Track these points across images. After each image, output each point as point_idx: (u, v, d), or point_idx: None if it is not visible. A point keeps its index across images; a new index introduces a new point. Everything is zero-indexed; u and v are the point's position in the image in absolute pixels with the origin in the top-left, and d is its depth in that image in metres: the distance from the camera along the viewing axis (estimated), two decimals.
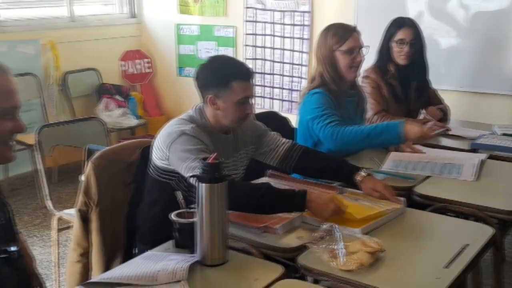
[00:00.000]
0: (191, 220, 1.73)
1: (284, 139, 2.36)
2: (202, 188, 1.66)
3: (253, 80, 2.15)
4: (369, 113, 3.22)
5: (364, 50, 2.63)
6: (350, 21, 4.33)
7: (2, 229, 1.49)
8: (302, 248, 1.74)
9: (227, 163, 2.16)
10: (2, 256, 1.47)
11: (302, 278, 1.70)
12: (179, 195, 1.83)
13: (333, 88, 2.62)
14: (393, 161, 2.57)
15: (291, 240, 1.80)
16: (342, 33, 2.60)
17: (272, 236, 1.83)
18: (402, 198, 2.10)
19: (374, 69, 3.25)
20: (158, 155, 2.12)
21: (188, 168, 1.95)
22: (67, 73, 4.93)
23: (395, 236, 1.87)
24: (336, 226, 1.76)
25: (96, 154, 2.36)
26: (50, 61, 4.77)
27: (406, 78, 3.23)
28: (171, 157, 2.05)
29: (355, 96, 2.80)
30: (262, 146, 2.34)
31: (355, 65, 2.62)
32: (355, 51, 2.60)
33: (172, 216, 1.76)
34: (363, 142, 2.47)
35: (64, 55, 4.84)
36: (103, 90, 5.12)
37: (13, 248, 1.52)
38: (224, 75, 2.06)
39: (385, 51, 3.22)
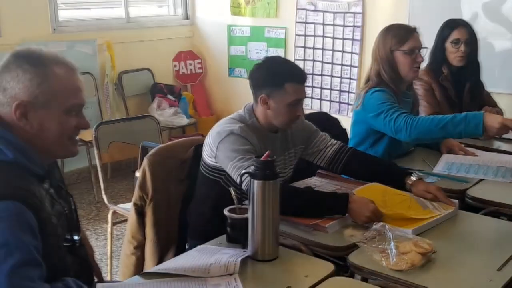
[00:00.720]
0: (243, 216, 1.77)
1: (333, 140, 2.37)
2: (255, 185, 1.70)
3: (306, 83, 2.17)
4: (422, 115, 3.20)
5: (423, 51, 2.62)
6: (402, 22, 4.33)
7: (66, 219, 1.57)
8: (352, 247, 1.75)
9: (276, 162, 2.17)
10: (66, 244, 1.54)
11: (351, 277, 1.72)
12: (233, 191, 1.88)
13: (392, 87, 2.61)
14: (445, 163, 2.56)
15: (341, 239, 1.82)
16: (403, 33, 2.59)
17: (323, 234, 1.86)
18: (455, 200, 2.08)
19: (427, 71, 3.22)
20: (208, 153, 2.18)
21: (235, 167, 2.01)
22: (122, 72, 5.08)
23: (447, 237, 1.86)
24: (388, 226, 1.77)
25: (152, 151, 2.44)
26: (106, 61, 4.92)
27: (460, 80, 3.19)
28: (219, 156, 2.10)
29: (411, 97, 2.79)
30: (310, 146, 2.36)
31: (416, 65, 2.61)
32: (416, 51, 2.59)
33: (225, 211, 1.81)
34: (439, 132, 2.36)
35: (119, 55, 4.98)
36: (156, 90, 5.25)
37: (76, 237, 1.59)
38: (279, 76, 2.09)
39: (438, 53, 3.19)
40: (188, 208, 2.34)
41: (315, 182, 2.35)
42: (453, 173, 2.44)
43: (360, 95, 2.67)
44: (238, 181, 1.90)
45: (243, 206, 1.81)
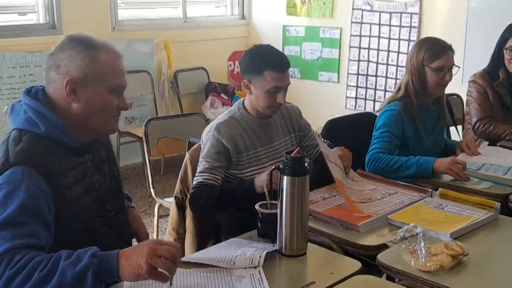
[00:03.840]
0: (273, 211, 1.79)
1: (323, 140, 2.48)
2: (284, 181, 1.71)
3: (288, 72, 2.20)
4: (473, 119, 3.12)
5: (454, 69, 2.61)
6: (460, 24, 4.23)
7: (97, 193, 1.68)
8: (383, 247, 1.73)
9: (274, 146, 2.31)
10: (98, 215, 1.67)
11: (381, 276, 1.70)
12: (265, 186, 1.90)
13: (414, 101, 2.62)
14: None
15: (372, 238, 1.80)
16: (436, 50, 2.60)
17: (354, 232, 1.84)
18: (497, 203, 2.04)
19: (482, 74, 3.14)
20: None
21: (197, 171, 2.19)
22: (178, 71, 5.19)
23: (483, 241, 1.81)
24: (420, 226, 1.73)
25: (194, 146, 2.49)
26: (163, 60, 5.05)
27: None
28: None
29: (435, 111, 2.76)
30: (306, 139, 2.42)
31: (442, 83, 2.62)
32: (445, 70, 2.59)
33: (257, 206, 1.83)
34: (394, 173, 2.44)
35: (176, 54, 5.10)
36: (210, 89, 5.33)
37: (108, 208, 1.72)
38: (259, 64, 2.15)
39: (496, 57, 3.11)
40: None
41: (355, 177, 2.33)
42: (473, 169, 2.47)
43: (384, 104, 2.70)
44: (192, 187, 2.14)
45: (274, 202, 1.83)
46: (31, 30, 4.32)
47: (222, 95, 5.34)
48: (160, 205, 3.20)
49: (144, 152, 4.45)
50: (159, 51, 5.02)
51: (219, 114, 5.08)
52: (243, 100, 2.32)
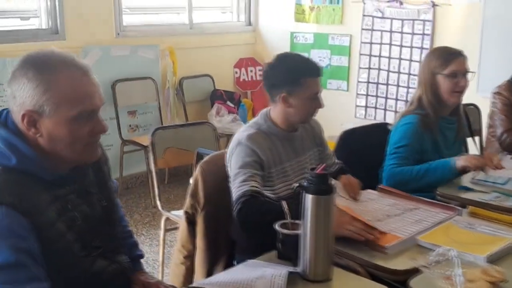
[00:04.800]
0: (295, 232, 1.66)
1: (336, 160, 2.40)
2: (308, 200, 1.58)
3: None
4: (499, 130, 3.02)
5: (469, 75, 2.52)
6: (475, 32, 4.11)
7: (82, 225, 1.50)
8: (414, 272, 1.60)
9: (300, 161, 2.20)
10: (84, 253, 1.49)
11: None
12: (285, 204, 1.77)
13: (430, 113, 2.52)
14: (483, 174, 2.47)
15: (402, 262, 1.67)
16: (446, 56, 2.52)
17: (381, 255, 1.71)
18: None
19: (507, 85, 3.05)
20: (228, 167, 2.15)
21: (234, 184, 2.01)
22: (183, 78, 5.07)
23: None
24: (455, 250, 1.60)
25: (205, 158, 2.37)
26: (168, 66, 4.92)
27: None
28: (230, 169, 2.10)
29: (455, 123, 2.66)
30: (322, 156, 2.33)
31: (458, 89, 2.52)
32: (459, 75, 2.49)
33: (277, 226, 1.70)
34: (421, 180, 2.38)
35: (181, 60, 4.97)
36: (216, 96, 5.21)
37: (95, 244, 1.53)
38: (295, 73, 2.07)
39: None
40: (232, 223, 2.25)
41: (370, 195, 2.21)
42: (489, 183, 2.37)
43: (398, 118, 2.62)
44: (233, 202, 1.95)
45: (296, 221, 1.70)
46: (33, 36, 4.19)
47: (228, 102, 5.21)
48: (167, 219, 3.07)
49: (148, 162, 4.39)
50: (164, 57, 4.90)
51: (225, 122, 5.03)
52: (268, 111, 2.19)
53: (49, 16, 4.29)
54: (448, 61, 2.50)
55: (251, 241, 2.14)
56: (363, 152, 2.76)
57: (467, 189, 2.35)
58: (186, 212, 2.32)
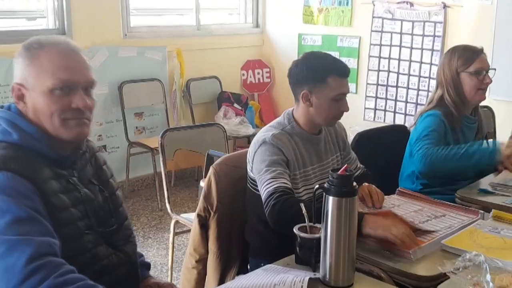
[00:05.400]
0: (315, 235, 1.60)
1: (359, 164, 2.31)
2: (329, 202, 1.52)
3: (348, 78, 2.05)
4: None
5: (491, 72, 2.50)
6: (487, 34, 4.05)
7: (85, 208, 1.50)
8: (440, 277, 1.54)
9: (322, 165, 2.13)
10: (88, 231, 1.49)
11: None
12: (303, 206, 1.71)
13: (454, 112, 2.49)
14: (504, 177, 2.42)
15: (427, 267, 1.60)
16: (469, 54, 2.50)
17: (406, 260, 1.64)
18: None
19: None
20: (249, 166, 2.08)
21: (261, 181, 1.92)
22: (190, 80, 5.01)
23: None
24: (483, 255, 1.54)
25: (218, 160, 2.31)
26: (175, 68, 4.88)
27: None
28: (253, 167, 2.02)
29: (475, 122, 2.63)
30: (345, 161, 2.25)
31: (483, 87, 2.49)
32: (483, 72, 2.48)
33: (295, 229, 1.64)
34: (458, 161, 2.34)
35: (188, 62, 4.92)
36: (223, 98, 5.16)
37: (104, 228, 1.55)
38: (320, 70, 1.98)
39: None
40: (246, 225, 2.19)
41: (394, 201, 2.14)
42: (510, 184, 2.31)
43: (417, 117, 2.56)
44: (264, 199, 1.86)
45: (315, 225, 1.64)
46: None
47: (235, 105, 5.16)
48: (176, 222, 3.01)
49: (155, 164, 4.34)
50: (171, 59, 4.85)
51: (232, 124, 4.97)
52: (292, 111, 2.12)
53: (56, 16, 4.25)
54: (472, 58, 2.47)
55: (266, 244, 2.08)
56: (377, 155, 2.71)
57: (488, 192, 2.29)
58: (198, 215, 2.25)
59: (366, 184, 2.10)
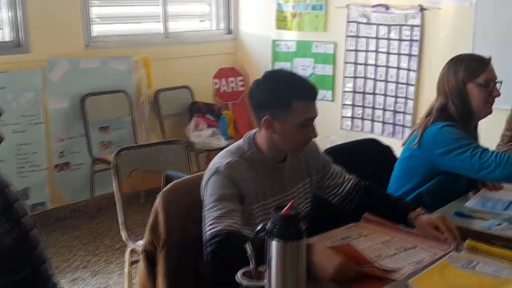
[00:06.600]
0: (259, 284, 1.38)
1: (349, 174, 2.09)
2: (272, 246, 1.30)
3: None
4: None
5: (498, 84, 2.27)
6: (467, 37, 3.86)
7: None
8: None
9: (286, 196, 1.89)
10: None
11: None
12: (248, 247, 1.48)
13: (459, 124, 2.24)
14: (480, 198, 2.26)
15: None
16: (477, 64, 2.27)
17: None
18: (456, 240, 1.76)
19: None
20: (203, 193, 1.85)
21: (206, 219, 1.72)
22: (159, 91, 4.77)
23: None
24: None
25: (167, 187, 2.09)
26: (142, 79, 4.64)
27: None
28: (205, 199, 1.81)
29: (477, 139, 2.41)
30: (326, 178, 2.05)
31: (491, 100, 2.26)
32: (491, 84, 2.25)
33: (238, 275, 1.42)
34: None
35: (156, 72, 4.69)
36: (194, 109, 4.92)
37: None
38: (284, 94, 1.76)
39: None
40: (200, 257, 1.96)
41: (362, 230, 1.92)
42: (488, 209, 2.12)
43: (417, 131, 2.28)
44: (204, 241, 1.65)
45: (261, 269, 1.42)
46: None
47: (208, 115, 4.93)
48: (133, 250, 2.77)
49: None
50: (137, 69, 4.61)
51: (204, 136, 4.73)
52: (254, 135, 1.89)
53: (12, 28, 4.00)
54: (480, 68, 2.25)
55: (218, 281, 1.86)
56: (351, 173, 2.49)
57: (463, 215, 2.09)
58: (145, 251, 2.03)
59: (440, 214, 1.89)
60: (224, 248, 1.61)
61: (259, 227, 1.38)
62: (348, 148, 2.80)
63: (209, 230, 1.68)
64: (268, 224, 1.33)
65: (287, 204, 1.50)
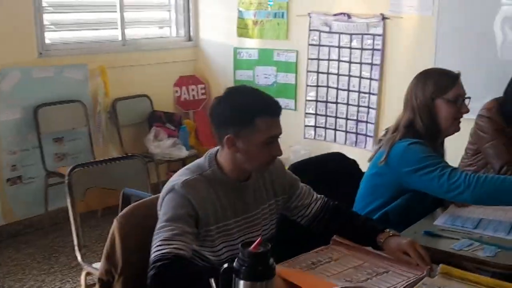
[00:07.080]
0: None
1: (316, 194, 2.03)
2: (240, 286, 1.21)
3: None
4: (497, 163, 2.67)
5: (467, 101, 2.24)
6: (429, 46, 3.86)
7: None
8: None
9: (249, 217, 1.82)
10: None
11: None
12: (213, 283, 1.38)
13: (427, 141, 2.18)
14: (449, 216, 2.19)
15: None
16: (446, 79, 2.22)
17: None
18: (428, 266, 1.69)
19: (497, 108, 2.75)
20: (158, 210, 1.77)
21: (155, 239, 1.63)
22: (117, 100, 4.62)
23: None
24: None
25: (123, 211, 1.97)
26: (99, 88, 4.47)
27: None
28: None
29: (443, 155, 2.36)
30: (293, 199, 1.98)
31: (459, 116, 2.23)
32: (460, 100, 2.21)
33: None
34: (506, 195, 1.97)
35: (114, 80, 4.54)
36: (154, 118, 4.79)
37: None
38: (247, 111, 1.70)
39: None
40: None
41: (332, 253, 1.85)
42: (458, 228, 2.07)
43: (384, 148, 2.21)
44: (150, 262, 1.55)
45: None
46: None
47: (168, 125, 4.80)
48: (88, 273, 2.63)
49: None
50: (94, 78, 4.44)
51: (164, 147, 4.59)
52: (216, 153, 1.80)
53: None
54: (450, 84, 2.20)
55: None
56: (317, 189, 2.41)
57: (433, 235, 2.03)
58: (100, 280, 1.90)
59: (409, 240, 1.79)
60: (165, 273, 1.52)
61: (225, 266, 1.27)
62: (313, 162, 2.74)
63: (155, 252, 1.60)
64: (235, 262, 1.23)
65: (254, 238, 1.42)
